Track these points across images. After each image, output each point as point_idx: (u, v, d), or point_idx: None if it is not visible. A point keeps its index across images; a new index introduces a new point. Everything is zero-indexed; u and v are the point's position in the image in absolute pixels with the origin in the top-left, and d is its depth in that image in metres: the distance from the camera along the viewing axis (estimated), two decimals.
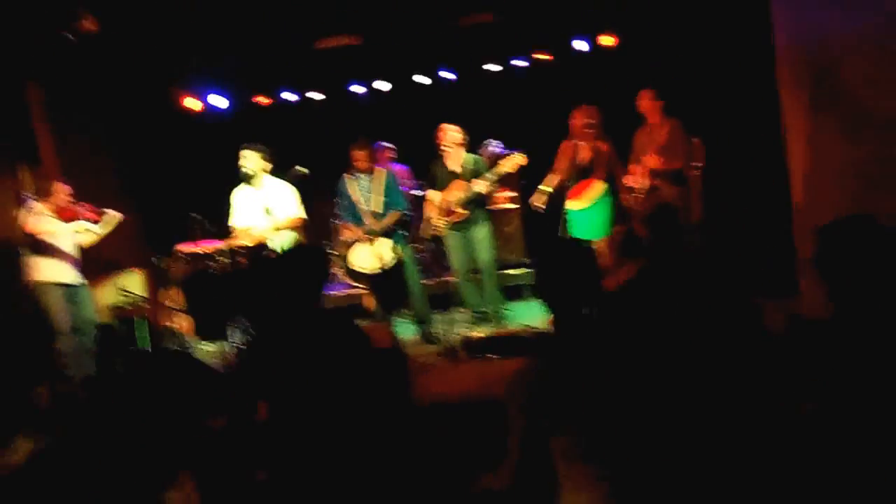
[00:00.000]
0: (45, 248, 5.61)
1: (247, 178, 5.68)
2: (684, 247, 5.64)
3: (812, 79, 4.71)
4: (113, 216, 5.89)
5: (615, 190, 5.94)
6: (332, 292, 7.58)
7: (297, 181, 5.69)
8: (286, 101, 8.36)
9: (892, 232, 2.10)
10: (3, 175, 6.38)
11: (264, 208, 5.41)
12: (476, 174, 6.00)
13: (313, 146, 7.50)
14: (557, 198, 6.07)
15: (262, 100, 8.32)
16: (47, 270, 5.68)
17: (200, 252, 5.33)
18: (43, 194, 5.72)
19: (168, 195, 7.84)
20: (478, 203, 6.07)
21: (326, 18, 6.54)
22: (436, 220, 6.14)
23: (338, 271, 7.75)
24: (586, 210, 5.88)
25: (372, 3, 6.08)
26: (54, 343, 5.66)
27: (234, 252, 5.26)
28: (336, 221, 7.74)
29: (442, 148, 6.09)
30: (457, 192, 6.04)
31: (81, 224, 5.83)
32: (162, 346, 6.55)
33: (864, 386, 1.97)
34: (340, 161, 6.28)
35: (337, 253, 7.62)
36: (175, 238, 6.96)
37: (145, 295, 6.80)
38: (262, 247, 5.36)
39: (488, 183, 5.95)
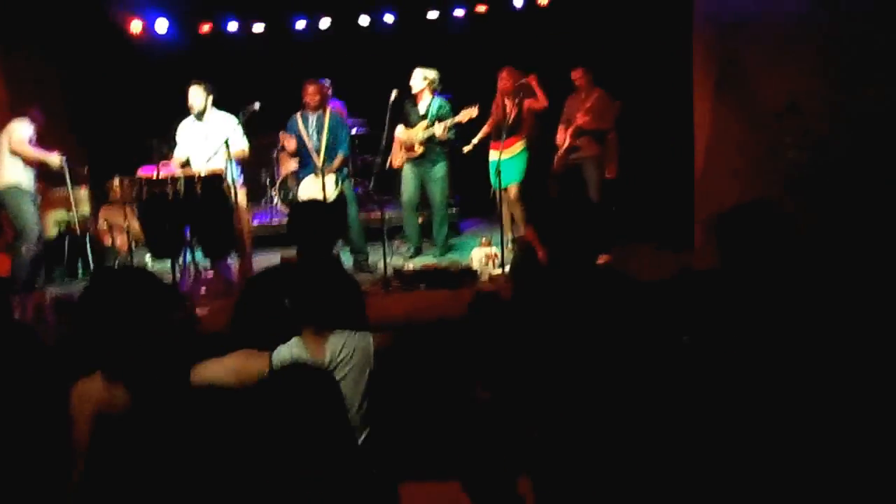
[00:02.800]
0: (27, 160, 6.16)
1: (195, 113, 5.98)
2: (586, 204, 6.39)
3: (721, 60, 5.32)
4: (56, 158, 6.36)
5: (531, 144, 6.56)
6: (271, 220, 7.99)
7: (249, 114, 6.01)
8: (227, 31, 8.54)
9: (781, 216, 2.50)
10: None
11: (221, 141, 5.75)
12: (440, 119, 6.48)
13: (253, 78, 7.80)
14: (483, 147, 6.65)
15: (205, 28, 8.46)
16: (28, 179, 6.17)
17: (158, 178, 5.63)
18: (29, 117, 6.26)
19: (112, 119, 8.07)
20: (438, 144, 6.57)
21: None
22: (398, 153, 6.65)
23: (277, 201, 8.18)
24: (509, 160, 6.43)
25: None
26: (17, 246, 6.09)
27: (189, 180, 5.60)
28: (277, 153, 8.14)
29: (412, 90, 6.56)
30: (419, 132, 6.54)
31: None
32: (105, 261, 6.90)
33: (738, 325, 2.41)
34: (279, 93, 6.66)
35: (279, 183, 8.06)
36: (113, 160, 7.30)
37: (88, 213, 7.06)
38: (216, 177, 5.71)
39: (443, 129, 6.43)
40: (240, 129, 5.99)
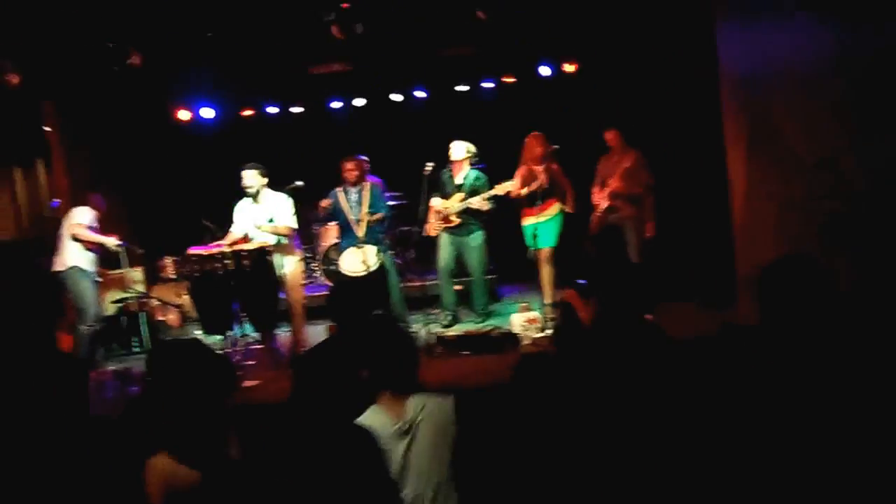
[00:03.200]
0: (87, 243, 6.53)
1: (250, 195, 6.26)
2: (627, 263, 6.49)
3: (750, 114, 5.36)
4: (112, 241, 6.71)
5: (564, 206, 6.66)
6: (314, 293, 8.16)
7: (294, 192, 6.27)
8: (268, 113, 8.93)
9: (822, 270, 2.50)
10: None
11: (267, 219, 6.01)
12: (476, 190, 6.66)
13: (293, 157, 8.11)
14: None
15: (247, 112, 8.88)
16: (88, 261, 6.52)
17: (208, 254, 5.87)
18: (89, 204, 6.67)
19: (163, 202, 8.46)
20: (473, 214, 6.73)
21: (316, 44, 7.07)
22: (434, 223, 6.78)
23: (318, 273, 8.38)
24: (545, 223, 6.56)
25: (360, 34, 6.61)
26: (78, 325, 6.39)
27: (237, 254, 5.83)
28: (316, 227, 8.39)
29: (451, 160, 6.77)
30: (455, 202, 6.71)
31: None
32: (158, 337, 7.12)
33: (778, 380, 2.40)
34: (318, 171, 6.95)
35: (320, 256, 8.27)
36: (165, 240, 7.64)
37: (144, 291, 7.34)
38: (262, 251, 5.93)
39: (481, 200, 6.61)
40: (288, 206, 6.23)
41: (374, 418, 2.56)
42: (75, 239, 6.48)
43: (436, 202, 6.85)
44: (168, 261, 8.05)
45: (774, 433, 2.31)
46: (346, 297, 3.69)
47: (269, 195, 6.31)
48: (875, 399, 2.29)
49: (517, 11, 6.66)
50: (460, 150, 6.79)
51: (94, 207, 6.66)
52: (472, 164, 6.86)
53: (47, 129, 7.65)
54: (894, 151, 4.41)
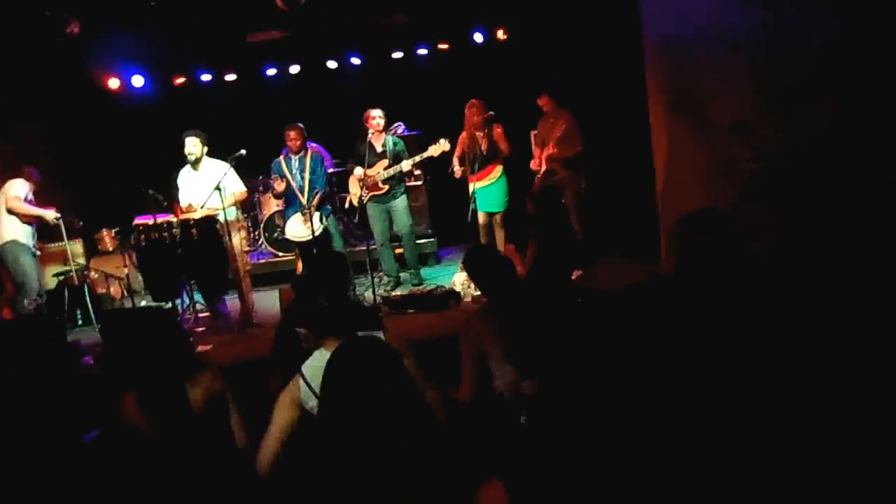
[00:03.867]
0: (24, 217, 6.48)
1: (192, 162, 6.31)
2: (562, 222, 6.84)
3: (672, 80, 5.66)
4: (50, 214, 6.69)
5: (506, 169, 6.96)
6: (260, 260, 8.28)
7: (237, 160, 6.35)
8: (201, 81, 8.88)
9: (731, 219, 2.78)
10: None
11: (212, 188, 6.08)
12: (398, 155, 6.84)
13: (228, 125, 8.11)
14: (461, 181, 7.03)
15: (179, 80, 8.81)
16: (26, 235, 6.48)
17: (154, 224, 5.93)
18: (23, 176, 6.60)
19: (96, 173, 8.38)
20: (398, 179, 6.92)
21: (254, 11, 7.10)
22: (360, 192, 6.87)
23: (261, 241, 8.48)
24: (488, 187, 6.85)
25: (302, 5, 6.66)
26: (20, 300, 6.37)
27: (184, 224, 5.91)
28: (257, 195, 8.46)
29: (369, 129, 6.85)
30: (380, 169, 6.86)
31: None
32: (102, 308, 7.14)
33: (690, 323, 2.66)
34: (255, 139, 6.96)
35: (262, 224, 8.35)
36: (101, 213, 7.64)
37: (85, 264, 7.33)
38: (211, 220, 6.03)
39: (412, 163, 6.82)
40: (233, 174, 6.32)
41: (319, 357, 2.81)
42: (11, 212, 6.42)
43: (358, 171, 6.92)
44: (105, 233, 8.06)
45: (687, 370, 2.52)
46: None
47: (209, 163, 6.38)
48: (775, 344, 2.51)
49: None
50: (379, 119, 6.89)
51: (28, 180, 6.60)
52: (387, 131, 7.05)
53: None
54: (808, 119, 4.74)
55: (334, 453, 1.89)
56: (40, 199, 6.71)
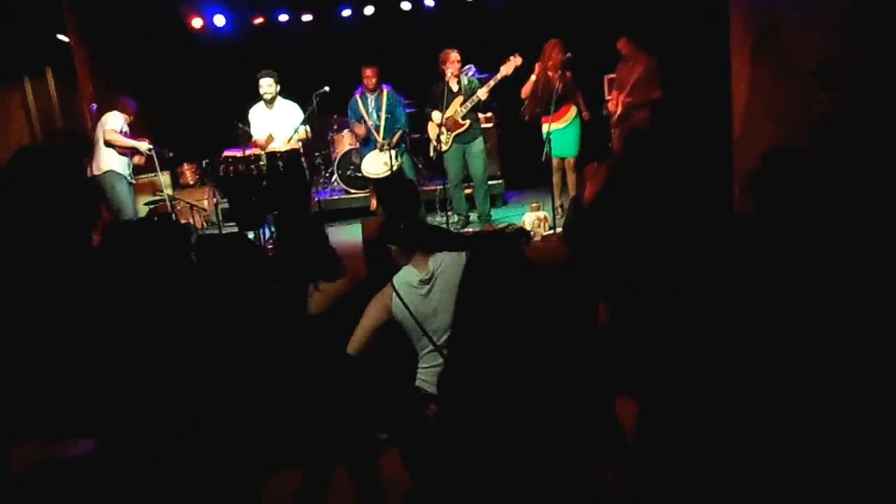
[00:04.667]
0: (120, 148, 6.79)
1: (266, 100, 6.63)
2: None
3: (756, 23, 5.68)
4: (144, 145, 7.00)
5: (580, 112, 7.04)
6: (332, 196, 8.55)
7: (321, 97, 6.60)
8: (279, 21, 9.10)
9: (810, 159, 2.76)
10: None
11: (287, 124, 6.38)
12: (473, 92, 6.91)
13: (302, 64, 8.35)
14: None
15: (258, 20, 9.05)
16: (122, 165, 6.81)
17: (243, 156, 6.23)
18: (119, 108, 6.88)
19: (176, 107, 8.71)
20: (475, 118, 7.04)
21: None
22: (442, 136, 6.95)
23: (334, 178, 8.74)
24: (563, 129, 6.94)
25: None
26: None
27: (271, 156, 6.22)
28: (331, 134, 8.71)
29: (446, 71, 6.91)
30: (457, 107, 6.93)
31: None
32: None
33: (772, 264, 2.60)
34: (325, 79, 7.01)
35: (335, 161, 8.61)
36: (183, 147, 7.98)
37: (172, 195, 7.71)
38: (295, 153, 6.32)
39: (487, 89, 6.84)
40: (301, 116, 6.58)
41: (407, 271, 3.10)
42: (108, 144, 6.78)
43: (436, 116, 6.97)
44: (186, 167, 8.44)
45: (768, 309, 2.46)
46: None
47: (281, 102, 6.69)
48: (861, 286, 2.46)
49: None
50: (455, 59, 6.91)
51: (123, 111, 6.93)
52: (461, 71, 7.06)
53: (63, 38, 7.80)
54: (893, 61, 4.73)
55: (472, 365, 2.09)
56: (135, 130, 7.04)
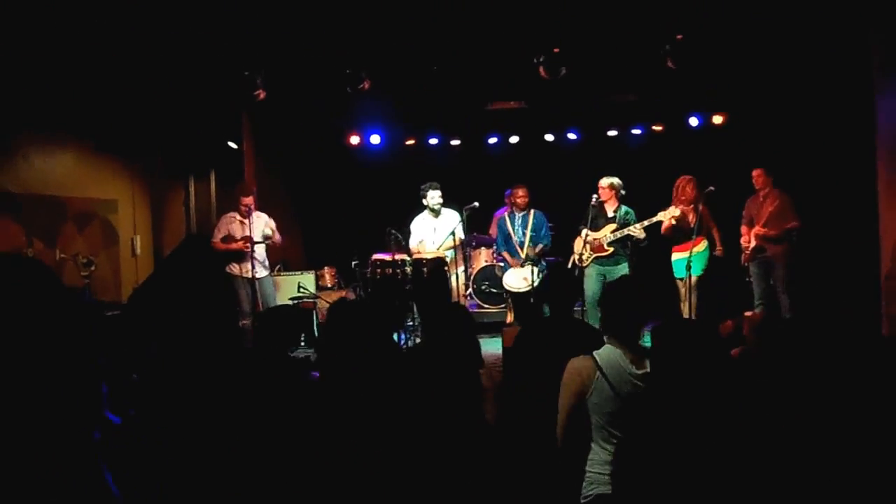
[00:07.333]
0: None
1: (435, 210, 7.21)
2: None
3: None
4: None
5: (711, 244, 7.09)
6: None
7: (470, 211, 7.06)
8: (429, 144, 9.83)
9: None
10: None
11: (448, 233, 6.81)
12: (626, 224, 7.05)
13: (447, 183, 8.85)
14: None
15: (410, 141, 9.81)
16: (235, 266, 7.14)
17: (391, 259, 6.65)
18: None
19: (327, 213, 9.40)
20: (623, 245, 7.15)
21: (492, 83, 7.84)
22: (586, 253, 7.12)
23: (469, 291, 9.01)
24: (696, 255, 6.99)
25: (534, 75, 7.28)
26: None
27: (417, 262, 6.60)
28: (469, 250, 9.07)
29: (601, 195, 7.13)
30: (607, 232, 7.08)
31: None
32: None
33: None
34: (468, 198, 7.43)
35: (472, 276, 8.91)
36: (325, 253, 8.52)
37: (315, 293, 8.16)
38: (440, 261, 6.68)
39: (641, 227, 6.97)
40: (461, 224, 7.01)
41: (607, 349, 2.97)
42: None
43: (584, 232, 7.13)
44: (327, 270, 8.93)
45: None
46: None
47: (445, 211, 7.14)
48: None
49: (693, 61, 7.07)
50: (614, 186, 7.16)
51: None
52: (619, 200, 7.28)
53: (232, 144, 8.55)
54: None
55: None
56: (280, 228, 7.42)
